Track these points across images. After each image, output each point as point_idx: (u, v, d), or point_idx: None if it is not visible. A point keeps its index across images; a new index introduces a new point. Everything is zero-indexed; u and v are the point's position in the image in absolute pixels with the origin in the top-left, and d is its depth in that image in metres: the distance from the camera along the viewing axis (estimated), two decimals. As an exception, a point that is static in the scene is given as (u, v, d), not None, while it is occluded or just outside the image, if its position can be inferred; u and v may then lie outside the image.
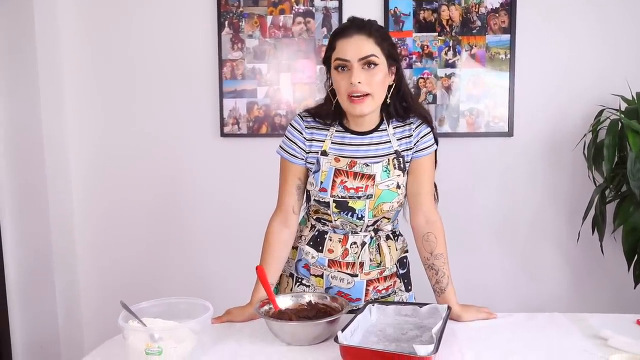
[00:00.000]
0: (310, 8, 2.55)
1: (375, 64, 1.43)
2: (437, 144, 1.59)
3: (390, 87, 1.50)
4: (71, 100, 2.69)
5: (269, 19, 2.57)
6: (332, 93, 1.52)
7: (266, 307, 1.46)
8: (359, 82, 1.41)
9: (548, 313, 1.58)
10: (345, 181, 1.51)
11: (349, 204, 1.51)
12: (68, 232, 2.71)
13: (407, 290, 1.67)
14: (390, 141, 1.54)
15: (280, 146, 1.59)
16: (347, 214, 1.52)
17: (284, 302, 1.51)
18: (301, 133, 1.55)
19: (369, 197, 1.51)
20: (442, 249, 1.56)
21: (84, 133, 2.71)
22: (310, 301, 1.53)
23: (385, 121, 1.55)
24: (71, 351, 2.67)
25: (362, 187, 1.50)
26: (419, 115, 1.56)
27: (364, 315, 1.42)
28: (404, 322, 1.46)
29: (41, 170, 2.53)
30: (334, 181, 1.51)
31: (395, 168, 1.53)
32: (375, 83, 1.43)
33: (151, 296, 1.43)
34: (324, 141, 1.55)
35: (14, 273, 2.58)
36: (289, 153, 1.56)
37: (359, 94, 1.43)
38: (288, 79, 2.59)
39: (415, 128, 1.55)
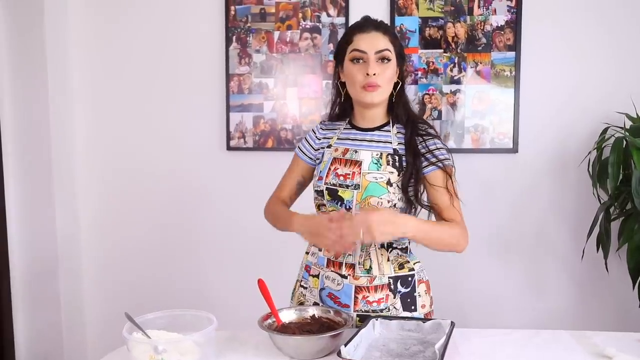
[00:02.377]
0: (317, 24, 2.58)
1: (389, 59, 1.54)
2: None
3: (396, 84, 1.59)
4: (78, 110, 2.72)
5: (276, 34, 2.60)
6: (341, 85, 1.63)
7: (269, 321, 1.47)
8: (375, 74, 1.51)
9: (552, 330, 1.57)
10: (338, 168, 1.58)
11: (339, 193, 1.56)
12: (74, 243, 2.72)
13: (410, 310, 1.61)
14: (391, 142, 1.58)
15: (297, 146, 1.75)
16: (337, 203, 1.57)
17: (288, 316, 1.51)
18: (315, 133, 1.71)
19: (357, 187, 1.54)
20: (442, 230, 1.54)
21: (91, 146, 2.74)
22: (314, 315, 1.53)
23: (390, 123, 1.61)
24: (74, 362, 2.67)
25: (349, 174, 1.55)
26: (418, 121, 1.61)
27: (368, 330, 1.42)
28: (408, 337, 1.46)
29: (48, 182, 2.55)
30: (329, 169, 1.59)
31: (388, 164, 1.55)
32: (386, 77, 1.54)
33: (156, 308, 1.44)
34: (332, 138, 1.66)
35: (19, 283, 2.59)
36: (300, 149, 1.72)
37: (373, 84, 1.52)
38: (294, 93, 2.62)
39: (421, 142, 1.57)
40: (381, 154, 1.56)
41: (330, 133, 1.68)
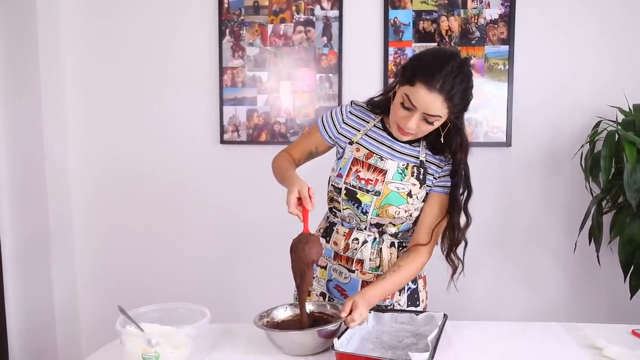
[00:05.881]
0: (311, 17, 2.57)
1: (435, 121, 1.43)
2: (469, 195, 1.54)
3: (444, 124, 1.47)
4: (72, 104, 2.70)
5: (270, 27, 2.59)
6: (393, 94, 1.50)
7: (264, 320, 1.46)
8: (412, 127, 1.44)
9: (544, 322, 1.59)
10: (360, 171, 1.55)
11: (357, 195, 1.54)
12: (67, 237, 2.71)
13: (416, 305, 1.63)
14: (419, 156, 1.55)
15: (321, 116, 1.67)
16: (353, 205, 1.55)
17: (281, 314, 1.51)
18: (342, 115, 1.62)
19: (377, 193, 1.52)
20: (402, 280, 1.52)
21: (85, 139, 2.73)
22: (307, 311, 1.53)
23: (422, 138, 1.55)
24: (69, 356, 2.67)
25: (372, 180, 1.53)
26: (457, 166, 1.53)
27: (361, 323, 1.43)
28: (401, 330, 1.47)
29: (41, 176, 2.54)
30: (350, 169, 1.56)
31: (412, 175, 1.53)
32: (424, 131, 1.46)
33: (150, 301, 1.44)
34: (358, 130, 1.59)
35: (11, 277, 2.58)
36: (322, 123, 1.65)
37: (406, 133, 1.47)
38: (288, 87, 2.61)
39: (447, 164, 1.55)
40: (407, 164, 1.54)
41: (357, 123, 1.61)
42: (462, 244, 1.56)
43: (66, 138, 2.69)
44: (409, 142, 1.56)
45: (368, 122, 1.60)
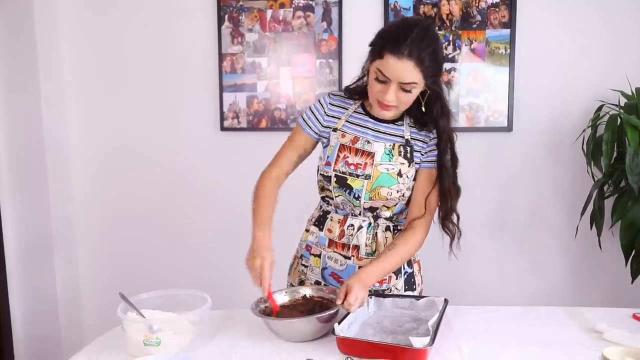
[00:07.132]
0: (310, 2, 2.55)
1: (411, 90, 1.42)
2: (455, 164, 1.55)
3: (423, 93, 1.48)
4: (71, 94, 2.69)
5: (269, 12, 2.57)
6: (367, 74, 1.51)
7: (262, 306, 1.46)
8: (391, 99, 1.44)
9: (545, 307, 1.59)
10: (348, 156, 1.54)
11: (348, 181, 1.54)
12: (68, 224, 2.72)
13: (412, 289, 1.64)
14: (403, 135, 1.55)
15: (301, 115, 1.65)
16: (345, 191, 1.55)
17: (280, 299, 1.51)
18: (323, 107, 1.61)
19: (367, 177, 1.52)
20: (400, 258, 1.52)
21: (84, 128, 2.72)
22: (305, 295, 1.53)
23: (405, 115, 1.56)
24: (72, 342, 2.68)
25: (361, 164, 1.53)
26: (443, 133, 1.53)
27: (362, 308, 1.43)
28: (401, 315, 1.48)
29: (42, 162, 2.54)
30: (337, 156, 1.55)
31: (400, 155, 1.53)
32: (405, 101, 1.46)
33: (151, 288, 1.44)
34: (339, 119, 1.59)
35: (14, 265, 2.59)
36: (305, 121, 1.63)
37: (387, 106, 1.46)
38: (288, 72, 2.59)
39: (432, 139, 1.56)
40: (394, 145, 1.54)
41: (338, 112, 1.60)
42: (455, 216, 1.57)
43: (66, 128, 2.69)
44: (393, 121, 1.56)
45: (348, 109, 1.60)
